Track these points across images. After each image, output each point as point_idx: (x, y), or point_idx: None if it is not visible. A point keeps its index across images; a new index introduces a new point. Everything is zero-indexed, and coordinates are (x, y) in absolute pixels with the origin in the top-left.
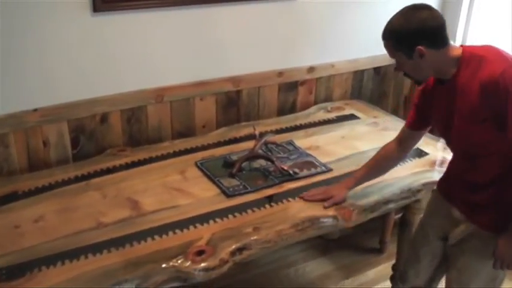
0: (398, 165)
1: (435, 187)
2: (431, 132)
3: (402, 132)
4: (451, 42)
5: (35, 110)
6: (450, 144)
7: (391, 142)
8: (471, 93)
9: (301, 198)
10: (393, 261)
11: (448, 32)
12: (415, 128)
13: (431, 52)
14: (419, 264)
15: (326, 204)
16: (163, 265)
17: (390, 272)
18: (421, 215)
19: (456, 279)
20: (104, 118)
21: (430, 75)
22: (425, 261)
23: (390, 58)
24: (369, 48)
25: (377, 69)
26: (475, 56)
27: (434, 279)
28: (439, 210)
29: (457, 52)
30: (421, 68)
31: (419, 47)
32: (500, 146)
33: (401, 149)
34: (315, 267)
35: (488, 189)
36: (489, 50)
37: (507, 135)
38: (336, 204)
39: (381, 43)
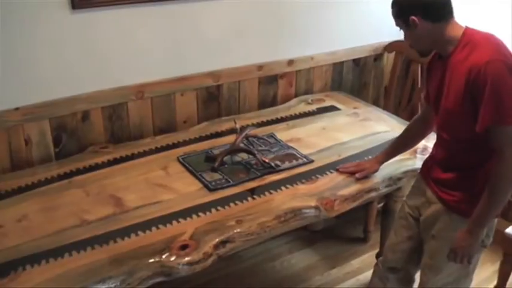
0: None
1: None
2: None
3: (423, 107)
4: (456, 21)
5: (16, 108)
6: (436, 116)
7: (416, 117)
8: (459, 75)
9: (337, 170)
10: (377, 250)
11: (451, 10)
12: (427, 101)
13: (426, 24)
14: (397, 242)
15: (358, 175)
16: (148, 261)
17: (375, 261)
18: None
19: (428, 264)
20: (85, 116)
21: (430, 47)
22: (402, 239)
23: (369, 50)
24: (348, 40)
25: (356, 61)
26: (473, 40)
27: (410, 261)
28: (417, 190)
29: (458, 32)
30: (418, 38)
31: (413, 17)
32: (470, 135)
33: (424, 123)
34: (301, 259)
35: (457, 171)
36: (488, 38)
37: (476, 127)
38: (367, 176)
39: (360, 35)
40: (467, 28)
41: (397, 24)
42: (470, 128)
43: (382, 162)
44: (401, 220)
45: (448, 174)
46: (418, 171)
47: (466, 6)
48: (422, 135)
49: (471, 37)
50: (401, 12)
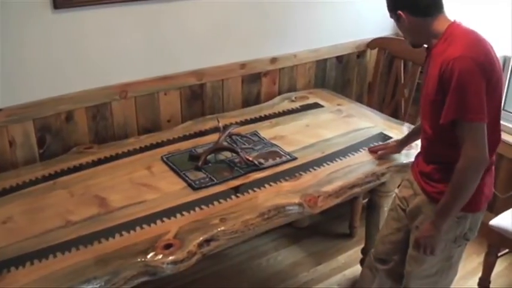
0: (362, 150)
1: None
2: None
3: None
4: (445, 16)
5: (0, 110)
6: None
7: None
8: (435, 66)
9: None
10: (363, 245)
11: (439, 6)
12: None
13: (412, 19)
14: (386, 233)
15: (380, 153)
16: (132, 260)
17: (361, 256)
18: (388, 198)
19: (412, 255)
20: (69, 116)
21: (417, 40)
22: (391, 231)
23: (352, 47)
24: (331, 37)
25: (339, 58)
26: (453, 35)
27: (399, 253)
28: (407, 182)
29: (443, 26)
30: (406, 31)
31: (400, 11)
32: (439, 130)
33: None
34: (287, 256)
35: (437, 163)
36: (467, 33)
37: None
38: (392, 153)
39: (342, 32)
40: (452, 23)
41: (390, 17)
42: (436, 123)
43: (403, 145)
44: (391, 212)
45: (430, 166)
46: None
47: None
48: None
49: (452, 31)
50: (391, 6)
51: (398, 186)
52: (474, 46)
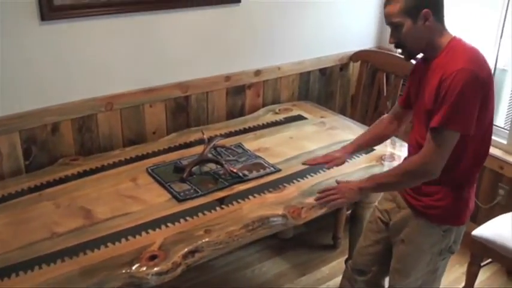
0: (347, 162)
1: None
2: None
3: (394, 107)
4: (448, 31)
5: None
6: (411, 122)
7: (387, 116)
8: (435, 76)
9: (304, 164)
10: (347, 256)
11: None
12: (402, 104)
13: (432, 21)
14: (365, 245)
15: (327, 165)
16: (117, 272)
17: (344, 267)
18: (372, 209)
19: (396, 268)
20: (55, 128)
21: (422, 48)
22: (370, 242)
23: (335, 59)
24: (314, 50)
25: (322, 70)
26: (456, 48)
27: (377, 265)
28: (388, 195)
29: (446, 39)
30: (420, 35)
31: (427, 9)
32: None
33: (393, 124)
34: (271, 267)
35: None
36: (469, 49)
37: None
38: (336, 166)
39: (326, 45)
40: (454, 37)
41: (394, 22)
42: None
43: (351, 154)
44: (370, 224)
45: None
46: None
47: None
48: (390, 134)
49: (454, 45)
50: (414, 4)
51: None
52: (475, 61)
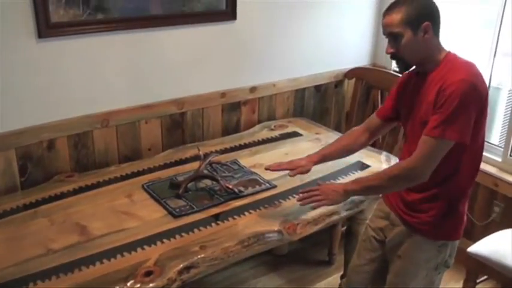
0: (341, 178)
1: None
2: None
3: (370, 119)
4: (442, 45)
5: None
6: (404, 136)
7: (358, 127)
8: (433, 88)
9: (267, 169)
10: (342, 272)
11: None
12: (382, 117)
13: (431, 34)
14: (360, 264)
15: (291, 173)
16: None
17: (339, 282)
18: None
19: (394, 283)
20: (51, 144)
21: (418, 61)
22: (365, 261)
23: (330, 76)
24: (309, 66)
25: (318, 87)
26: (453, 62)
27: (373, 283)
28: (380, 213)
29: (442, 53)
30: (418, 47)
31: (427, 22)
32: None
33: (364, 136)
34: (266, 283)
35: (420, 192)
36: (466, 63)
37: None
38: (301, 173)
39: (321, 62)
40: (449, 52)
41: (395, 32)
42: None
43: (316, 163)
44: (364, 243)
45: (413, 194)
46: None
47: None
48: (360, 146)
49: (451, 59)
50: (416, 16)
51: None
52: (474, 74)
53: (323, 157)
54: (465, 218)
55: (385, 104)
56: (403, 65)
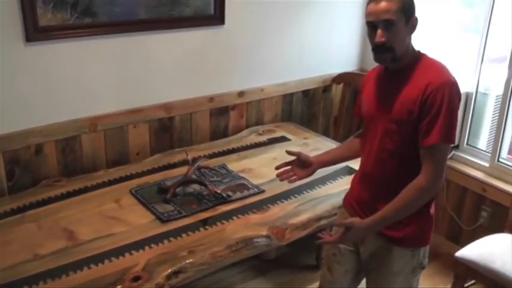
0: (329, 183)
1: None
2: None
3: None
4: None
5: None
6: (368, 133)
7: (359, 132)
8: (413, 88)
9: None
10: None
11: None
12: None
13: (415, 29)
14: (333, 279)
15: (293, 178)
16: None
17: None
18: None
19: None
20: (39, 149)
21: (402, 54)
22: (338, 275)
23: (318, 81)
24: (297, 72)
25: (305, 92)
26: (428, 64)
27: None
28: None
29: (416, 51)
30: (405, 39)
31: (416, 16)
32: (408, 150)
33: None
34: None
35: (391, 198)
36: (440, 63)
37: (422, 143)
38: (306, 177)
39: (309, 67)
40: (420, 51)
41: (391, 19)
42: (411, 140)
43: (322, 166)
44: (335, 257)
45: (381, 203)
46: (341, 207)
47: None
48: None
49: (426, 60)
50: (410, 6)
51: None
52: (452, 75)
53: (331, 162)
54: (434, 219)
55: (356, 104)
56: (391, 56)
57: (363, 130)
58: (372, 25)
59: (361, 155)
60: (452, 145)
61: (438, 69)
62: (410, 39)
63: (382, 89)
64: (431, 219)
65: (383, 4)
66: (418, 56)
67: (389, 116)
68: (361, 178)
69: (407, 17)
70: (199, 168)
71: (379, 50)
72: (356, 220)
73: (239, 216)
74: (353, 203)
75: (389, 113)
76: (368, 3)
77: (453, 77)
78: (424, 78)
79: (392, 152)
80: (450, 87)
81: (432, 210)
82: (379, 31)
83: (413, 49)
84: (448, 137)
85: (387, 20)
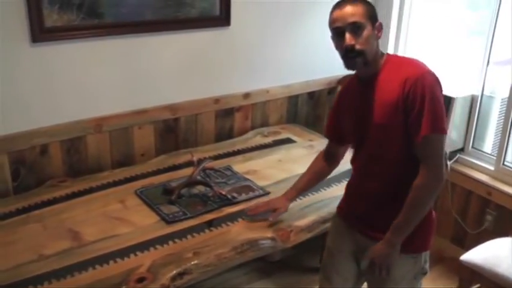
0: (334, 185)
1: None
2: None
3: (326, 146)
4: None
5: None
6: (359, 148)
7: (321, 154)
8: (390, 90)
9: (246, 216)
10: None
11: None
12: (333, 138)
13: (381, 34)
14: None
15: (271, 218)
16: None
17: None
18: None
19: None
20: (44, 149)
21: (372, 58)
22: (337, 284)
23: (323, 83)
24: (302, 73)
25: (311, 94)
26: (397, 61)
27: None
28: (343, 235)
29: (383, 55)
30: (373, 43)
31: (380, 22)
32: (401, 154)
33: (327, 161)
34: None
35: (388, 207)
36: (411, 58)
37: (414, 138)
38: (280, 214)
39: (314, 69)
40: (386, 53)
41: (358, 22)
42: (402, 143)
43: (292, 200)
44: (331, 267)
45: (380, 212)
46: (335, 216)
47: None
48: (328, 172)
49: (394, 59)
50: (373, 12)
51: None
52: (426, 65)
53: (300, 191)
54: (435, 223)
55: (329, 122)
56: (362, 61)
57: (353, 149)
58: (339, 31)
59: (353, 167)
60: (445, 135)
61: (410, 63)
62: (378, 44)
63: (359, 101)
64: (433, 222)
65: (348, 8)
66: (386, 58)
67: (373, 125)
68: (356, 190)
69: (372, 22)
70: (204, 170)
71: (350, 56)
72: (374, 248)
73: (244, 217)
74: (348, 214)
75: (373, 122)
76: (332, 11)
77: (428, 67)
78: (399, 76)
79: (384, 161)
80: (428, 77)
81: (433, 213)
82: (347, 35)
83: (381, 53)
84: (437, 126)
85: (354, 23)
